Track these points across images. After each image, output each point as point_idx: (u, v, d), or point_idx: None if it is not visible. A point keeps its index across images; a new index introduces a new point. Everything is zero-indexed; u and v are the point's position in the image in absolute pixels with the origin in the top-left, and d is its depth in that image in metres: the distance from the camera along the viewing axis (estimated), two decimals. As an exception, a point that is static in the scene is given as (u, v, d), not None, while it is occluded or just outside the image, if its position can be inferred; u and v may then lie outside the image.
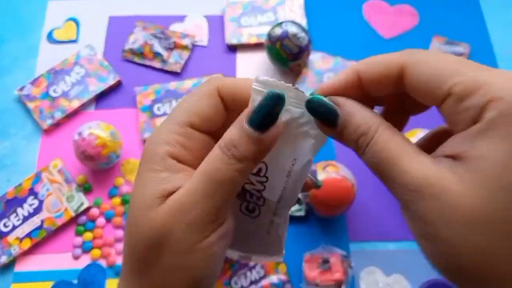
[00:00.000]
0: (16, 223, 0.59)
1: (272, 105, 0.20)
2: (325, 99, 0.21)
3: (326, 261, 0.56)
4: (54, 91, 0.68)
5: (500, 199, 0.16)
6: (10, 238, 0.58)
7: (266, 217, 0.25)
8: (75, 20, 0.75)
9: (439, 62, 0.19)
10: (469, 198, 0.16)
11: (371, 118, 0.20)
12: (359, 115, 0.20)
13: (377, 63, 0.21)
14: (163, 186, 0.21)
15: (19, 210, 0.60)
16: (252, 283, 0.56)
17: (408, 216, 0.18)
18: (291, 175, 0.23)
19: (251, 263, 0.57)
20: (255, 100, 0.21)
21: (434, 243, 0.17)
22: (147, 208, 0.20)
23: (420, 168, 0.18)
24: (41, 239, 0.59)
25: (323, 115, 0.21)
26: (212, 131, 0.23)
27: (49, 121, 0.66)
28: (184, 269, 0.20)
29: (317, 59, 0.70)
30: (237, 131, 0.21)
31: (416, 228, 0.18)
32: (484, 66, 0.19)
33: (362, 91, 0.22)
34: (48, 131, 0.66)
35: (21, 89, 0.68)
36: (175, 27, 0.74)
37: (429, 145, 0.22)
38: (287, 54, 0.64)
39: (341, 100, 0.21)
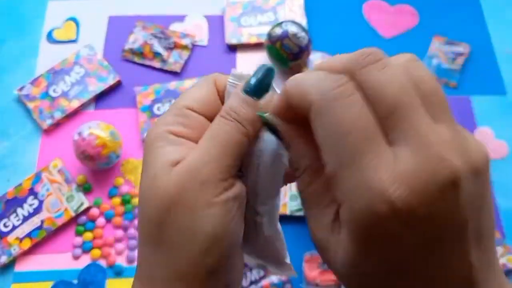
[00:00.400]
0: (16, 223, 0.59)
1: (264, 75, 0.23)
2: (269, 119, 0.22)
3: (326, 261, 0.56)
4: (54, 91, 0.68)
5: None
6: (10, 238, 0.58)
7: (250, 217, 0.24)
8: (75, 20, 0.74)
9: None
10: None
11: (301, 157, 0.20)
12: (294, 148, 0.21)
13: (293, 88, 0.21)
14: (170, 157, 0.21)
15: (19, 210, 0.60)
16: (252, 283, 0.56)
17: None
18: (259, 169, 0.23)
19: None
20: (229, 93, 0.23)
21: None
22: (159, 175, 0.21)
23: (318, 230, 0.19)
24: (41, 239, 0.59)
25: (272, 131, 0.22)
26: (208, 116, 0.23)
27: (49, 121, 0.66)
28: (202, 225, 0.20)
29: (317, 59, 0.69)
30: (235, 98, 0.23)
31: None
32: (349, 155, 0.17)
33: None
34: (48, 131, 0.66)
35: (21, 89, 0.68)
36: (175, 27, 0.74)
37: None
38: (287, 54, 0.64)
39: (283, 127, 0.21)
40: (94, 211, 0.60)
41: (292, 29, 0.64)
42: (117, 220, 0.60)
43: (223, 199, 0.21)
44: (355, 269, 0.17)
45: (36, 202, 0.60)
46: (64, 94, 0.67)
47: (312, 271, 0.55)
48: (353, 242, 0.17)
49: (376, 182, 0.15)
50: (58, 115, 0.66)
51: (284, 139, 0.22)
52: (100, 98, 0.68)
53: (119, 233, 0.60)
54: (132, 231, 0.60)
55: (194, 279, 0.21)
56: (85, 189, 0.62)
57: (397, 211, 0.15)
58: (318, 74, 0.18)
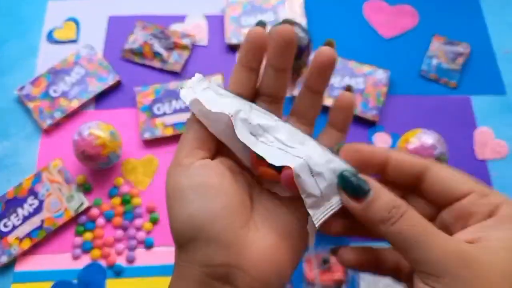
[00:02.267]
0: (16, 223, 0.59)
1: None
2: (357, 174, 0.24)
3: (326, 261, 0.56)
4: (54, 91, 0.68)
5: None
6: (10, 238, 0.58)
7: None
8: (75, 20, 0.74)
9: (458, 172, 0.25)
10: (495, 264, 0.21)
11: (398, 199, 0.23)
12: (388, 193, 0.23)
13: (407, 156, 0.25)
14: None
15: (19, 210, 0.60)
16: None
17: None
18: None
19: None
20: (191, 102, 0.26)
21: None
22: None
23: (450, 244, 0.21)
24: (41, 239, 0.59)
25: (354, 188, 0.23)
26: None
27: (49, 121, 0.66)
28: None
29: (317, 59, 0.69)
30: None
31: None
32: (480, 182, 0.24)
33: (382, 173, 0.25)
34: (48, 131, 0.66)
35: (21, 89, 0.68)
36: (175, 27, 0.74)
37: None
38: (287, 54, 0.64)
39: (369, 178, 0.24)
40: (94, 211, 0.60)
41: (292, 29, 0.63)
42: (117, 220, 0.60)
43: (188, 161, 0.26)
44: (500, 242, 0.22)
45: (36, 202, 0.60)
46: (64, 94, 0.67)
47: (312, 271, 0.55)
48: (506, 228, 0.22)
49: None
50: (58, 115, 0.66)
51: (374, 187, 0.23)
52: (100, 98, 0.68)
53: (119, 233, 0.60)
54: (132, 231, 0.60)
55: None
56: (85, 189, 0.62)
57: None
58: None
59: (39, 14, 0.75)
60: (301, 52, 0.64)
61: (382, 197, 0.23)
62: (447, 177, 0.24)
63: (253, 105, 0.27)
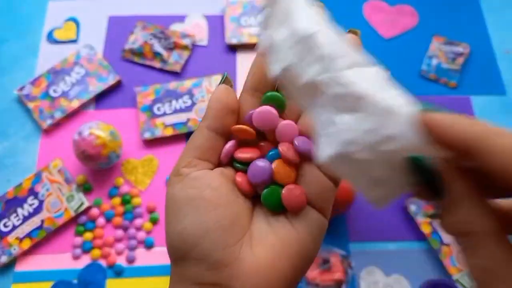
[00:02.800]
0: (16, 223, 0.59)
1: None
2: (436, 168, 0.18)
3: (326, 261, 0.56)
4: (54, 91, 0.68)
5: None
6: (10, 238, 0.58)
7: None
8: (75, 20, 0.74)
9: None
10: None
11: (480, 217, 0.17)
12: (466, 205, 0.17)
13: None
14: None
15: (19, 210, 0.60)
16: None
17: None
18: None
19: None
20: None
21: None
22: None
23: None
24: (41, 239, 0.59)
25: (426, 180, 0.18)
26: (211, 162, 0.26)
27: (49, 121, 0.66)
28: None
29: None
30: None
31: None
32: None
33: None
34: (48, 131, 0.66)
35: (21, 89, 0.68)
36: (175, 27, 0.74)
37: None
38: (287, 54, 0.64)
39: (456, 177, 0.18)
40: (94, 211, 0.60)
41: (292, 29, 0.64)
42: (117, 220, 0.60)
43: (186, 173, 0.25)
44: None
45: (36, 202, 0.60)
46: (64, 94, 0.67)
47: (312, 271, 0.55)
48: None
49: None
50: (58, 115, 0.66)
51: (454, 192, 0.17)
52: (100, 98, 0.68)
53: (119, 233, 0.60)
54: (132, 231, 0.60)
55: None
56: (85, 189, 0.62)
57: None
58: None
59: (39, 14, 0.75)
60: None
61: (458, 211, 0.17)
62: None
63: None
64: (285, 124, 0.25)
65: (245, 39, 0.71)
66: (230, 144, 0.25)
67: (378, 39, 0.73)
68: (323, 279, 0.55)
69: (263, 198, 0.24)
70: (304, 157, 0.25)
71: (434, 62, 0.71)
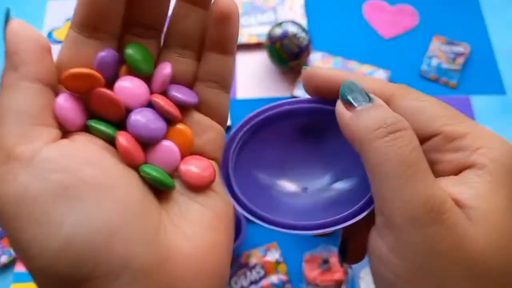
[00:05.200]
0: (16, 223, 0.59)
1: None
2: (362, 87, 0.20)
3: (326, 261, 0.56)
4: (54, 91, 0.68)
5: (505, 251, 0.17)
6: (10, 238, 0.58)
7: None
8: (75, 20, 0.75)
9: (429, 103, 0.19)
10: (479, 240, 0.16)
11: (402, 118, 0.18)
12: (391, 110, 0.19)
13: (370, 81, 0.20)
14: None
15: (19, 210, 0.60)
16: (252, 283, 0.56)
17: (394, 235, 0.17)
18: None
19: (251, 264, 0.57)
20: None
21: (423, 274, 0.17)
22: None
23: (437, 189, 0.17)
24: (41, 239, 0.59)
25: (356, 95, 0.19)
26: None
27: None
28: None
29: (317, 59, 0.69)
30: None
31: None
32: (466, 116, 0.19)
33: None
34: (48, 131, 0.66)
35: (21, 89, 0.67)
36: (175, 27, 0.74)
37: None
38: (287, 54, 0.64)
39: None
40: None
41: (292, 29, 0.64)
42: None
43: None
44: (487, 205, 0.17)
45: (36, 202, 0.60)
46: (64, 94, 0.67)
47: (312, 271, 0.55)
48: (488, 181, 0.17)
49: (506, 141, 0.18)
50: (58, 115, 0.66)
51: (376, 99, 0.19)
52: (100, 98, 0.68)
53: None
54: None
55: None
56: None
57: None
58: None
59: (39, 14, 0.75)
60: (301, 52, 0.64)
61: (380, 108, 0.18)
62: (412, 110, 0.19)
63: None
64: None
65: (245, 39, 0.71)
66: (63, 98, 0.18)
67: (378, 39, 0.73)
68: (323, 279, 0.55)
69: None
70: (182, 107, 0.21)
71: (434, 62, 0.71)
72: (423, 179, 0.17)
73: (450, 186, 0.18)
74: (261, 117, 0.22)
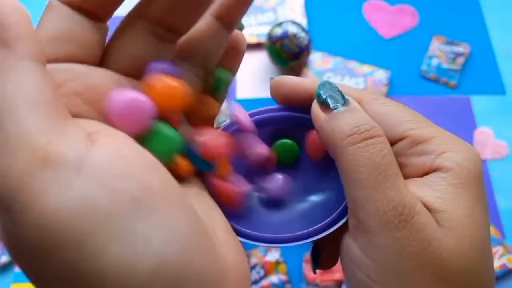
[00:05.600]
0: (16, 223, 0.59)
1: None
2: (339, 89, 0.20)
3: (326, 261, 0.56)
4: (54, 91, 0.67)
5: (473, 256, 0.17)
6: (10, 238, 0.58)
7: None
8: (75, 20, 0.74)
9: (396, 108, 0.20)
10: (448, 245, 0.17)
11: (376, 124, 0.19)
12: (366, 114, 0.19)
13: (343, 86, 0.21)
14: None
15: (19, 210, 0.59)
16: (252, 283, 0.56)
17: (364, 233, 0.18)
18: None
19: (251, 264, 0.57)
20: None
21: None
22: None
23: (407, 193, 0.18)
24: (41, 239, 0.59)
25: (332, 96, 0.19)
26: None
27: (49, 121, 0.66)
28: None
29: (317, 59, 0.69)
30: None
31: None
32: (432, 122, 0.20)
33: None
34: (48, 131, 0.66)
35: (21, 89, 0.67)
36: (175, 27, 0.74)
37: None
38: (287, 54, 0.64)
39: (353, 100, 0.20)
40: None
41: (292, 29, 0.64)
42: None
43: None
44: (452, 208, 0.18)
45: (36, 202, 0.60)
46: (64, 94, 0.67)
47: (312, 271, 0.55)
48: (453, 184, 0.18)
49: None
50: (58, 115, 0.66)
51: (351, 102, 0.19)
52: (100, 98, 0.68)
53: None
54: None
55: None
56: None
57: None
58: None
59: (39, 14, 0.75)
60: (301, 52, 0.64)
61: (355, 113, 0.19)
62: (380, 115, 0.19)
63: None
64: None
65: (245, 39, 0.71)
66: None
67: (378, 39, 0.73)
68: (323, 279, 0.55)
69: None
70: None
71: (434, 62, 0.71)
72: (394, 185, 0.17)
73: (416, 189, 0.18)
74: (234, 128, 0.22)
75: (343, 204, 0.20)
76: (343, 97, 0.19)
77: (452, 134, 0.20)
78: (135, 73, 0.18)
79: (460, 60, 0.71)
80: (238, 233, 0.20)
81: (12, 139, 0.12)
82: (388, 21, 0.75)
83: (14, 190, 0.12)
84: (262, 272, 0.56)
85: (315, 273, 0.24)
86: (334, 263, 0.23)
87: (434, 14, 0.75)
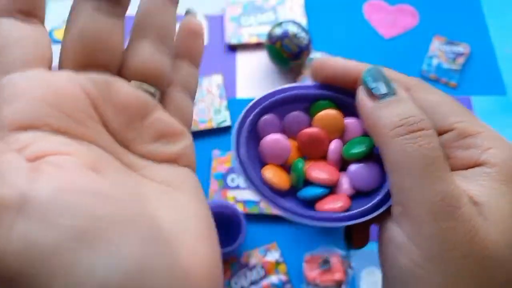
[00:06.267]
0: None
1: None
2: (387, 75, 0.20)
3: (326, 261, 0.56)
4: (54, 91, 0.67)
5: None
6: (10, 238, 0.58)
7: None
8: (75, 20, 0.74)
9: (446, 99, 0.20)
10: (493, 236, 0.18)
11: (425, 116, 0.19)
12: (415, 106, 0.19)
13: (393, 73, 0.21)
14: None
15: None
16: (252, 283, 0.56)
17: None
18: None
19: (251, 264, 0.56)
20: None
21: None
22: None
23: (456, 186, 0.18)
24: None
25: (380, 83, 0.19)
26: None
27: (49, 121, 0.65)
28: None
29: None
30: None
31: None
32: (477, 118, 0.21)
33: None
34: (47, 131, 0.66)
35: (21, 89, 0.67)
36: (175, 27, 0.74)
37: None
38: (287, 54, 0.64)
39: (400, 87, 0.20)
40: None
41: (292, 29, 0.64)
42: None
43: None
44: (496, 203, 0.18)
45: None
46: (64, 94, 0.67)
47: (312, 271, 0.55)
48: (497, 180, 0.18)
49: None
50: (58, 115, 0.66)
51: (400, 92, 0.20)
52: (100, 98, 0.68)
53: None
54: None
55: None
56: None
57: None
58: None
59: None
60: (301, 52, 0.64)
61: (403, 103, 0.19)
62: (428, 104, 0.20)
63: None
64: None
65: (245, 39, 0.71)
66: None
67: (378, 39, 0.73)
68: (323, 280, 0.55)
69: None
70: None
71: (435, 62, 0.71)
72: (442, 177, 0.18)
73: (461, 182, 0.19)
74: (268, 101, 0.23)
75: (386, 191, 0.20)
76: (390, 85, 0.19)
77: (497, 132, 0.20)
78: (93, 54, 0.17)
79: (460, 60, 0.71)
80: (290, 212, 0.21)
81: None
82: (388, 21, 0.75)
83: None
84: (262, 272, 0.56)
85: (349, 250, 0.25)
86: (366, 242, 0.24)
87: (434, 14, 0.75)
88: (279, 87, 0.23)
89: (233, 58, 0.71)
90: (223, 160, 0.64)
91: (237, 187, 0.62)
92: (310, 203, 0.22)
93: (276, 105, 0.23)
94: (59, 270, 0.12)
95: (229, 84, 0.69)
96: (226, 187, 0.62)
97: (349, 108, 0.22)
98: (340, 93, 0.22)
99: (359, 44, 0.72)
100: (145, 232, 0.14)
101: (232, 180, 0.63)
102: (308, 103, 0.23)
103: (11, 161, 0.13)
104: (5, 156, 0.13)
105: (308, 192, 0.22)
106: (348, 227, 0.24)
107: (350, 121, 0.22)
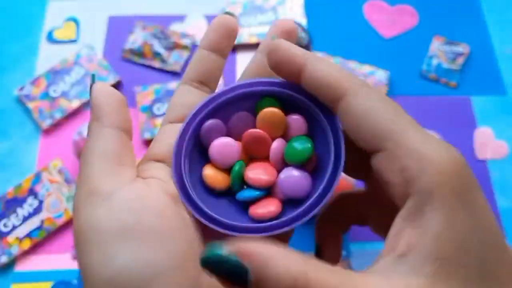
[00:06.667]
0: (16, 223, 0.59)
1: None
2: (226, 253, 0.15)
3: (326, 261, 0.56)
4: (54, 91, 0.68)
5: None
6: (10, 238, 0.58)
7: None
8: (75, 20, 0.74)
9: (382, 106, 0.18)
10: None
11: (296, 267, 0.16)
12: (281, 263, 0.15)
13: (327, 70, 0.21)
14: None
15: (19, 210, 0.60)
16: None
17: None
18: None
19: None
20: None
21: None
22: None
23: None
24: (41, 239, 0.59)
25: (228, 275, 0.15)
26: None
27: (49, 121, 0.66)
28: None
29: (317, 59, 0.69)
30: None
31: None
32: (415, 123, 0.18)
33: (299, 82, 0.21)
34: (47, 131, 0.66)
35: (21, 89, 0.67)
36: (175, 27, 0.74)
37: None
38: (287, 54, 0.64)
39: (252, 246, 0.15)
40: (94, 211, 0.60)
41: (292, 29, 0.63)
42: (117, 220, 0.60)
43: None
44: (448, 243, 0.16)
45: (36, 202, 0.60)
46: (64, 94, 0.67)
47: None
48: (441, 214, 0.16)
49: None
50: (58, 115, 0.66)
51: (256, 264, 0.15)
52: (100, 98, 0.68)
53: (119, 233, 0.60)
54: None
55: None
56: (85, 189, 0.62)
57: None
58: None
59: (39, 14, 0.75)
60: (301, 52, 0.64)
61: (269, 277, 0.15)
62: (364, 113, 0.18)
63: None
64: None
65: (245, 39, 0.71)
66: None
67: (378, 39, 0.73)
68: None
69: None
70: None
71: (434, 62, 0.71)
72: None
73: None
74: (210, 106, 0.22)
75: (316, 194, 0.20)
76: (239, 262, 0.15)
77: (432, 136, 0.17)
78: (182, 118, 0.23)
79: (460, 60, 0.71)
80: (222, 225, 0.20)
81: (82, 178, 0.19)
82: (388, 21, 0.75)
83: (75, 207, 0.19)
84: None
85: None
86: (338, 260, 0.23)
87: (434, 14, 0.75)
88: (224, 88, 0.22)
89: (233, 58, 0.71)
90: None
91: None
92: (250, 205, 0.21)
93: (220, 108, 0.22)
94: (99, 248, 0.17)
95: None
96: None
97: (296, 104, 0.21)
98: (288, 89, 0.21)
99: (359, 44, 0.72)
100: (165, 251, 0.18)
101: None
102: (255, 101, 0.22)
103: (122, 173, 0.19)
104: (121, 170, 0.20)
105: (244, 194, 0.21)
106: (317, 244, 0.24)
107: (293, 118, 0.21)
